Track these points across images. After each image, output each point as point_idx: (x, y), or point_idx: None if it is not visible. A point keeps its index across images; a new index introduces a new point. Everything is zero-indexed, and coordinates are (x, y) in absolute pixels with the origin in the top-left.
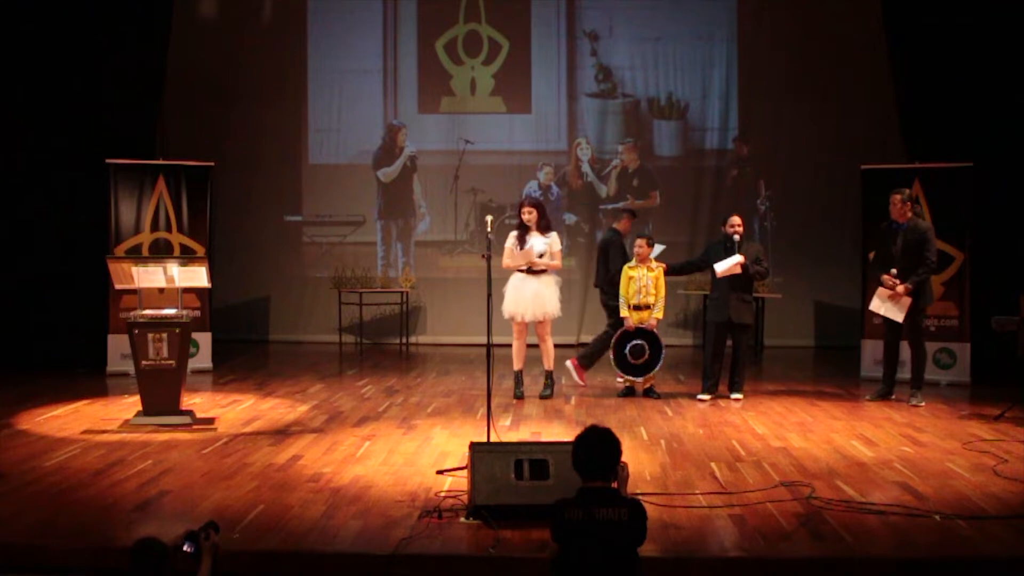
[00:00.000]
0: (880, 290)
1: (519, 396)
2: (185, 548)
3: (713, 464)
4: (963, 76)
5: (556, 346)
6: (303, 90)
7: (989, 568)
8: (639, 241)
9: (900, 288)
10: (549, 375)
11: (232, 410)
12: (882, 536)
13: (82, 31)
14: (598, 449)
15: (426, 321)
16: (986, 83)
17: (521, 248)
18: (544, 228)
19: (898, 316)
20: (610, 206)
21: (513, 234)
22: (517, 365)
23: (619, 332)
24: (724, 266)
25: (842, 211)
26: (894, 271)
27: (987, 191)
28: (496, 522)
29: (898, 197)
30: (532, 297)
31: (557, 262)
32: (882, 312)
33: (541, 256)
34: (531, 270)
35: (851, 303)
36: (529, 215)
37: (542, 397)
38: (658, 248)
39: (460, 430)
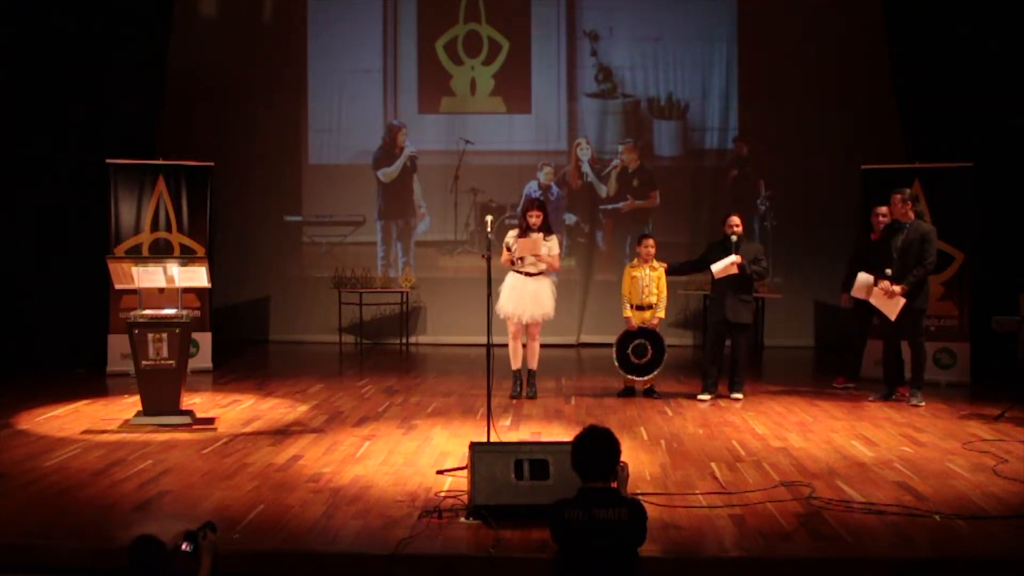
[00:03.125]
0: (880, 285)
1: (517, 395)
2: (184, 548)
3: (713, 464)
4: (963, 76)
5: (556, 346)
6: (303, 90)
7: (989, 568)
8: (647, 241)
9: (896, 289)
10: (532, 374)
11: (232, 410)
12: (882, 536)
13: (82, 31)
14: (597, 450)
15: (426, 321)
16: (986, 83)
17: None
18: (545, 231)
19: (891, 313)
20: (610, 206)
21: (512, 233)
22: (515, 365)
23: (621, 332)
24: (720, 266)
25: (842, 211)
26: (889, 272)
27: (987, 191)
28: (496, 522)
29: (898, 197)
30: (531, 298)
31: (556, 263)
32: (873, 303)
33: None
34: (528, 272)
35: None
36: (537, 219)
37: (528, 397)
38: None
39: (460, 430)
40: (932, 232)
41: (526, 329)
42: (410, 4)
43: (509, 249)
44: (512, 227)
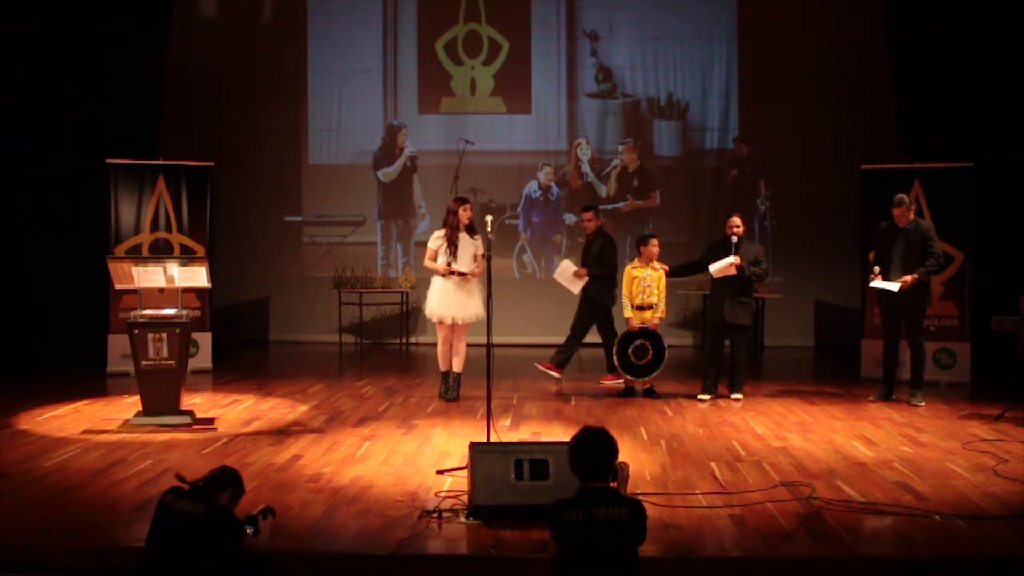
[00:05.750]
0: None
1: (444, 396)
2: (248, 531)
3: (713, 464)
4: (963, 76)
5: (556, 347)
6: (303, 90)
7: (989, 568)
8: (653, 240)
9: (908, 279)
10: (457, 377)
11: (232, 410)
12: (882, 536)
13: (82, 31)
14: (593, 450)
15: (426, 321)
16: (986, 83)
17: (451, 251)
18: (472, 230)
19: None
20: (610, 206)
21: (439, 233)
22: (443, 366)
23: (622, 332)
24: (718, 266)
25: (842, 211)
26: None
27: (987, 191)
28: (496, 522)
29: (902, 208)
30: (461, 301)
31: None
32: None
33: (475, 258)
34: (458, 273)
35: (851, 303)
36: (466, 211)
37: (447, 399)
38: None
39: (460, 430)
40: (932, 229)
41: (453, 331)
42: (410, 4)
43: (435, 259)
44: (512, 227)
